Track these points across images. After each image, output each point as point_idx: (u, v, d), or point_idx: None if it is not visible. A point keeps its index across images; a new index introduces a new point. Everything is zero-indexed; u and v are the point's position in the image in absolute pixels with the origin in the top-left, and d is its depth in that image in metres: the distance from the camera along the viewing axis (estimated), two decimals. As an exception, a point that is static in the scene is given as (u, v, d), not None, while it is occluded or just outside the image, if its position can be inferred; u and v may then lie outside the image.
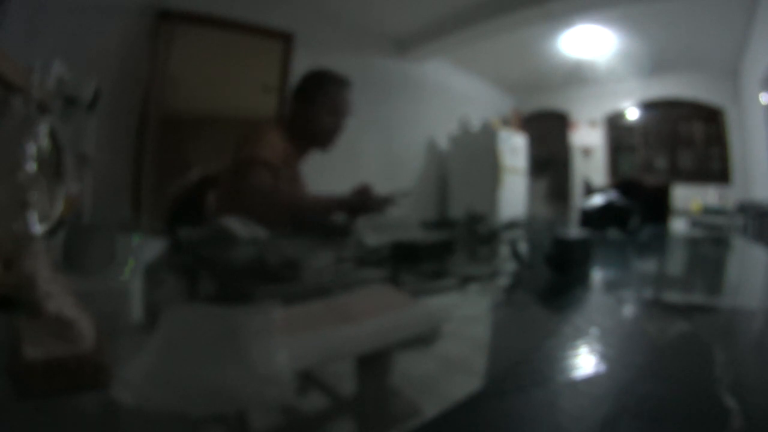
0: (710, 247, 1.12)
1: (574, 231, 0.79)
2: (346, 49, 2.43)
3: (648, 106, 3.59)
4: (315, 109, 1.20)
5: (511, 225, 1.08)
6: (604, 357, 0.34)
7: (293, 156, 1.17)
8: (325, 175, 1.30)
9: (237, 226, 0.78)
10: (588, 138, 3.82)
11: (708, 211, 2.85)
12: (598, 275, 0.65)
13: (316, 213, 1.12)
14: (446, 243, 0.73)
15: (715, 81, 3.15)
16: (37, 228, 0.44)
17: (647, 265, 0.86)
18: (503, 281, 0.62)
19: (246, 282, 0.58)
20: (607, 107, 3.75)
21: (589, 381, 0.29)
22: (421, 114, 3.14)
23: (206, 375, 0.29)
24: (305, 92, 1.21)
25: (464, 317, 0.46)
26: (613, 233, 1.04)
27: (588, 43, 3.00)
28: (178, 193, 1.19)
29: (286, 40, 2.29)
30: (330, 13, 2.38)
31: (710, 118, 3.24)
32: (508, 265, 0.70)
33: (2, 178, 0.43)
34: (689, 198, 2.98)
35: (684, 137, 3.41)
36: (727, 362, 0.31)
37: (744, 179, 2.99)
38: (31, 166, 0.46)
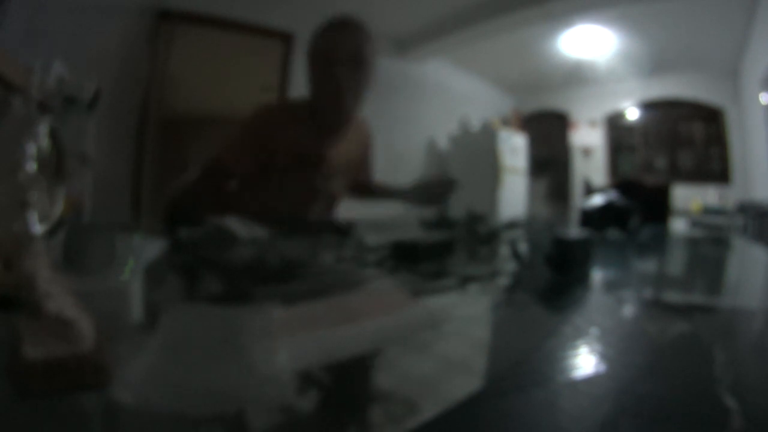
0: (710, 247, 1.12)
1: (574, 231, 0.79)
2: (347, 49, 2.43)
3: (648, 106, 3.59)
4: (309, 67, 1.00)
5: (511, 225, 1.08)
6: (604, 357, 0.34)
7: (302, 137, 1.01)
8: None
9: (237, 226, 0.78)
10: (588, 138, 3.82)
11: (708, 211, 2.85)
12: (598, 275, 0.65)
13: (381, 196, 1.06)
14: (446, 243, 0.73)
15: (715, 81, 3.15)
16: (37, 228, 0.44)
17: (647, 265, 0.86)
18: (503, 281, 0.62)
19: (246, 282, 0.58)
20: (607, 107, 3.75)
21: (589, 381, 0.29)
22: (421, 114, 3.14)
23: (206, 375, 0.29)
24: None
25: (464, 317, 0.46)
26: (613, 233, 1.04)
27: (588, 43, 3.01)
28: (177, 193, 1.19)
29: (286, 40, 2.29)
30: (330, 13, 2.38)
31: (710, 118, 3.24)
32: (508, 265, 0.70)
33: (2, 178, 0.43)
34: (689, 198, 2.98)
35: (684, 137, 3.40)
36: (727, 362, 0.31)
37: (744, 179, 2.99)
38: (31, 166, 0.46)
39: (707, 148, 3.33)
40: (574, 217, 1.19)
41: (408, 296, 0.51)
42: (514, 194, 3.16)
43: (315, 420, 0.27)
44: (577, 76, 3.41)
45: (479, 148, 3.13)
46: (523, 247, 0.82)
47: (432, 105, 3.20)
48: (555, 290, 0.57)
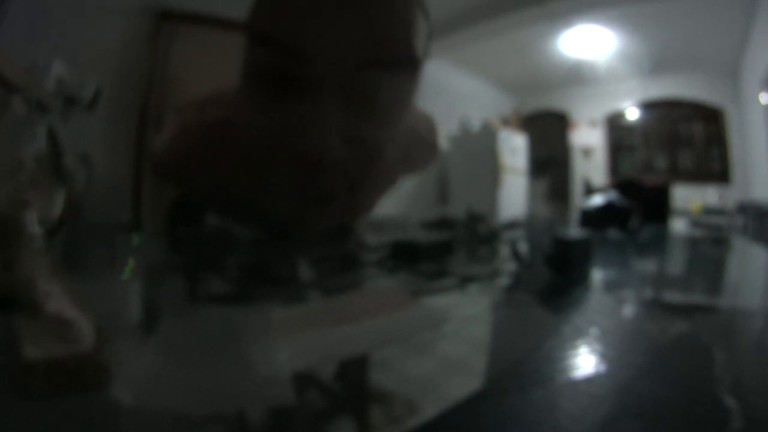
0: (710, 247, 1.12)
1: (574, 231, 0.79)
2: (347, 49, 2.43)
3: (648, 106, 3.58)
4: None
5: (511, 225, 1.08)
6: (604, 357, 0.34)
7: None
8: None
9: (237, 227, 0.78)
10: (588, 138, 3.82)
11: (708, 211, 2.84)
12: (598, 275, 0.65)
13: None
14: (446, 243, 0.73)
15: (715, 81, 3.14)
16: (37, 228, 0.44)
17: (647, 265, 0.86)
18: (503, 281, 0.62)
19: (246, 282, 0.58)
20: (607, 107, 3.74)
21: (589, 381, 0.29)
22: (421, 114, 3.13)
23: (206, 375, 0.29)
24: None
25: (464, 317, 0.46)
26: (613, 233, 1.04)
27: (588, 43, 3.00)
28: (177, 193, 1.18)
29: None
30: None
31: (710, 118, 3.23)
32: (508, 265, 0.70)
33: (2, 178, 0.43)
34: (689, 198, 2.97)
35: (684, 137, 3.40)
36: (727, 362, 0.31)
37: (744, 179, 2.98)
38: (31, 166, 0.46)
39: (707, 148, 3.31)
40: (574, 217, 1.19)
41: (408, 296, 0.51)
42: (514, 194, 3.14)
43: (315, 420, 0.27)
44: (577, 76, 3.40)
45: (479, 148, 3.12)
46: (523, 247, 0.82)
47: (432, 105, 3.20)
48: (555, 290, 0.57)
